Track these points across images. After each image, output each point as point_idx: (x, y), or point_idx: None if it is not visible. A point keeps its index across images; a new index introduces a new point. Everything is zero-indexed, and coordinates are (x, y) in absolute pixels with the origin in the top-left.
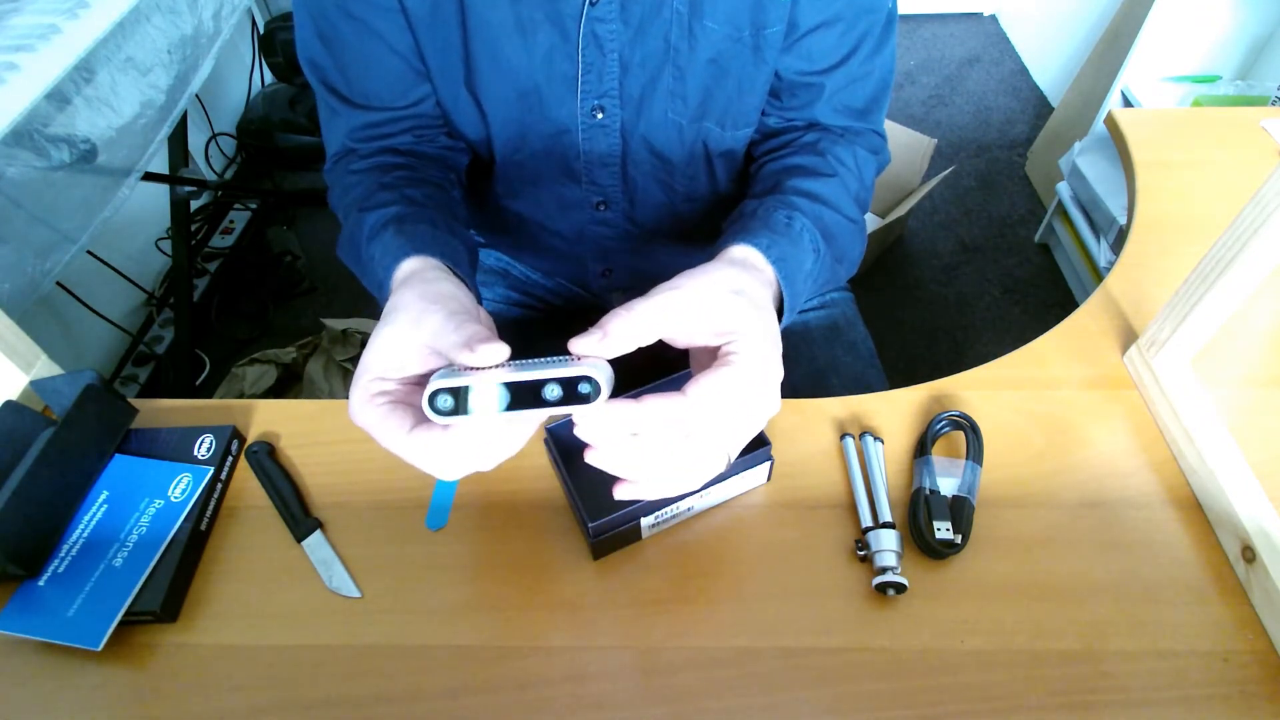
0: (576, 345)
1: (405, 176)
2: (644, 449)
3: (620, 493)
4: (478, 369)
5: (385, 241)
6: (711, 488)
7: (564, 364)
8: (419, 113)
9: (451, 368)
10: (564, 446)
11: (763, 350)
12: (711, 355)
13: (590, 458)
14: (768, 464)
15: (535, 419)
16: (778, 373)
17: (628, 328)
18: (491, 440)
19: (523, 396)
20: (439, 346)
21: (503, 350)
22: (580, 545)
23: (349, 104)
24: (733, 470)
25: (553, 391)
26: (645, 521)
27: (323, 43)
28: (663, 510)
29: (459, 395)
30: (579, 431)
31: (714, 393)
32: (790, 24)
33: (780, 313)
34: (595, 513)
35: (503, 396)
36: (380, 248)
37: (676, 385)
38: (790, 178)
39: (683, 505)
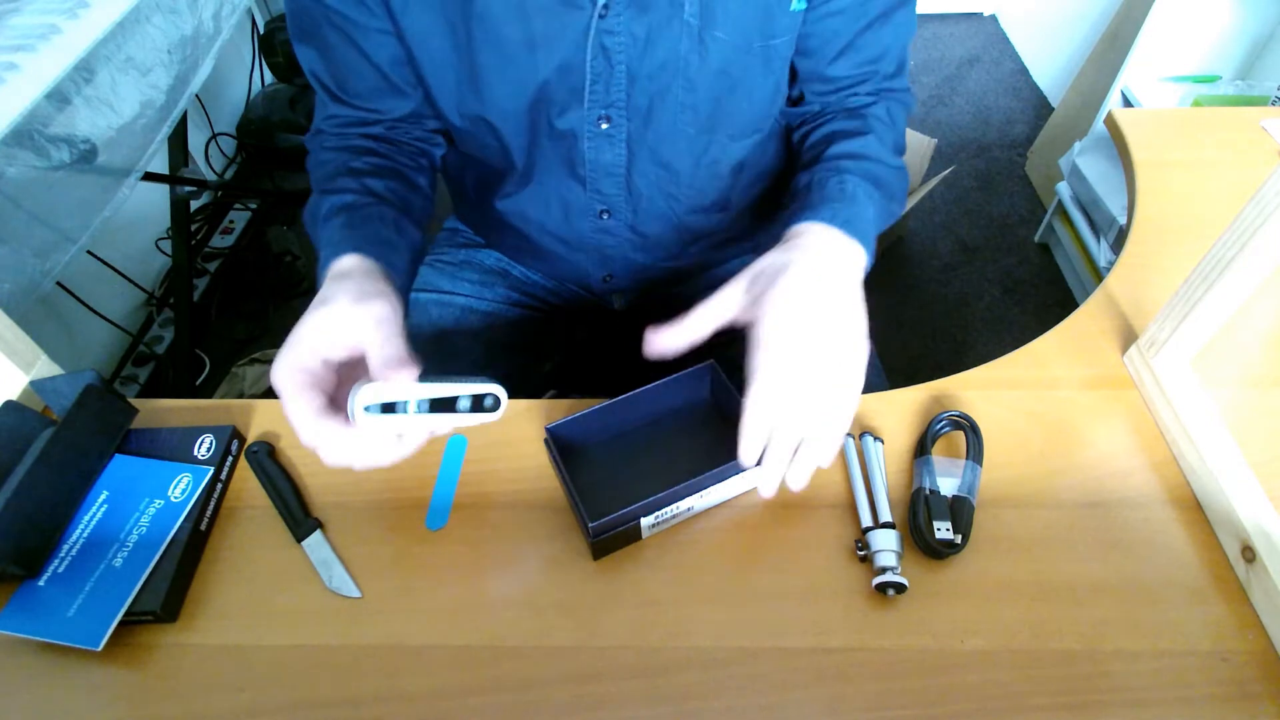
0: (655, 339)
1: (373, 164)
2: (778, 444)
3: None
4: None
5: (332, 229)
6: (711, 488)
7: (471, 382)
8: (395, 117)
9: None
10: (564, 446)
11: (788, 304)
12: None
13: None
14: None
15: (441, 426)
16: (823, 300)
17: (695, 322)
18: (383, 445)
19: (439, 406)
20: (362, 348)
21: (414, 374)
22: (580, 545)
23: (331, 95)
24: (733, 470)
25: (463, 404)
26: (645, 521)
27: (309, 43)
28: (663, 510)
29: (387, 407)
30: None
31: (765, 373)
32: (832, 35)
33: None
34: (595, 513)
35: (422, 405)
36: (327, 233)
37: (692, 380)
38: (832, 144)
39: (683, 505)
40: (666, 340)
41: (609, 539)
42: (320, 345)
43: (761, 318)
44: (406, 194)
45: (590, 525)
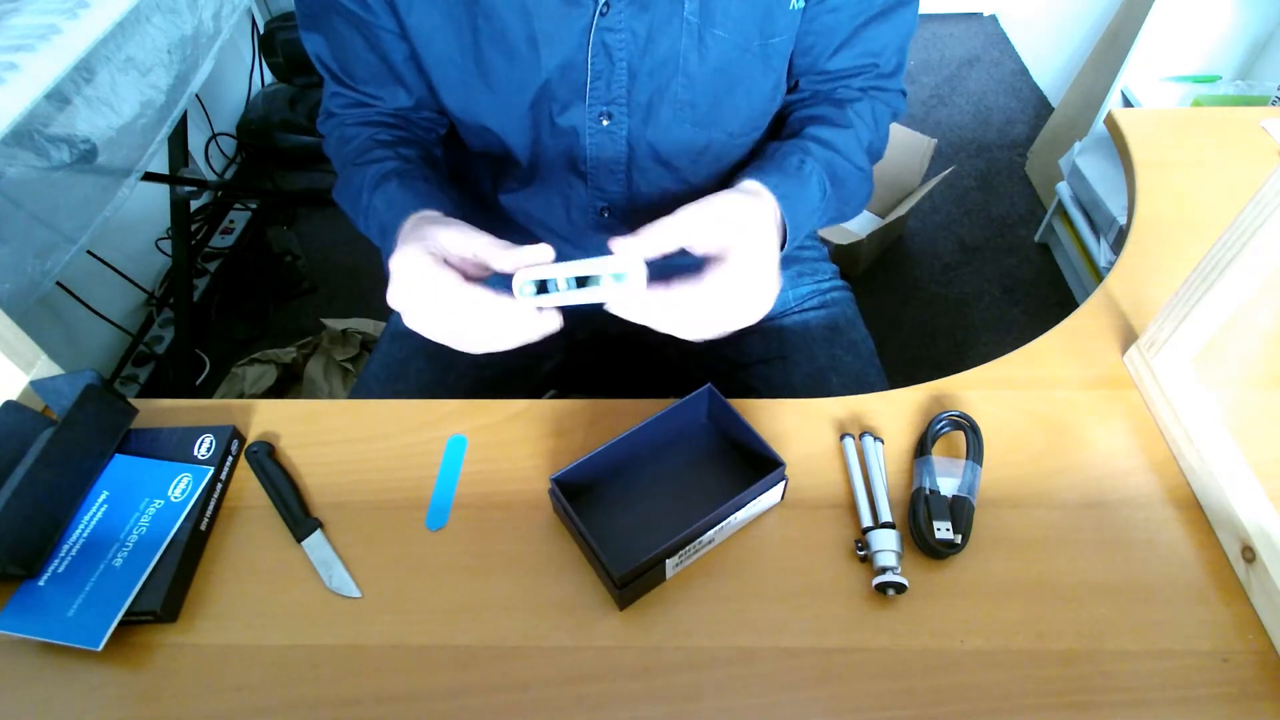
0: (616, 244)
1: (398, 135)
2: (665, 315)
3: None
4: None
5: (390, 193)
6: (730, 517)
7: (606, 258)
8: (394, 106)
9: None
10: (569, 491)
11: (757, 249)
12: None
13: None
14: (782, 484)
15: (586, 299)
16: (771, 268)
17: (656, 234)
18: (529, 321)
19: (582, 283)
20: (474, 251)
21: (549, 255)
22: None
23: (334, 78)
24: (750, 495)
25: (601, 280)
26: (669, 563)
27: (316, 29)
28: (686, 549)
29: (540, 284)
30: (618, 309)
31: (722, 281)
32: (830, 30)
33: (782, 241)
34: (618, 562)
35: (570, 282)
36: (384, 198)
37: (690, 406)
38: (809, 125)
39: (704, 538)
40: (632, 246)
41: (634, 587)
42: (449, 245)
43: (738, 240)
44: (431, 160)
45: (615, 576)
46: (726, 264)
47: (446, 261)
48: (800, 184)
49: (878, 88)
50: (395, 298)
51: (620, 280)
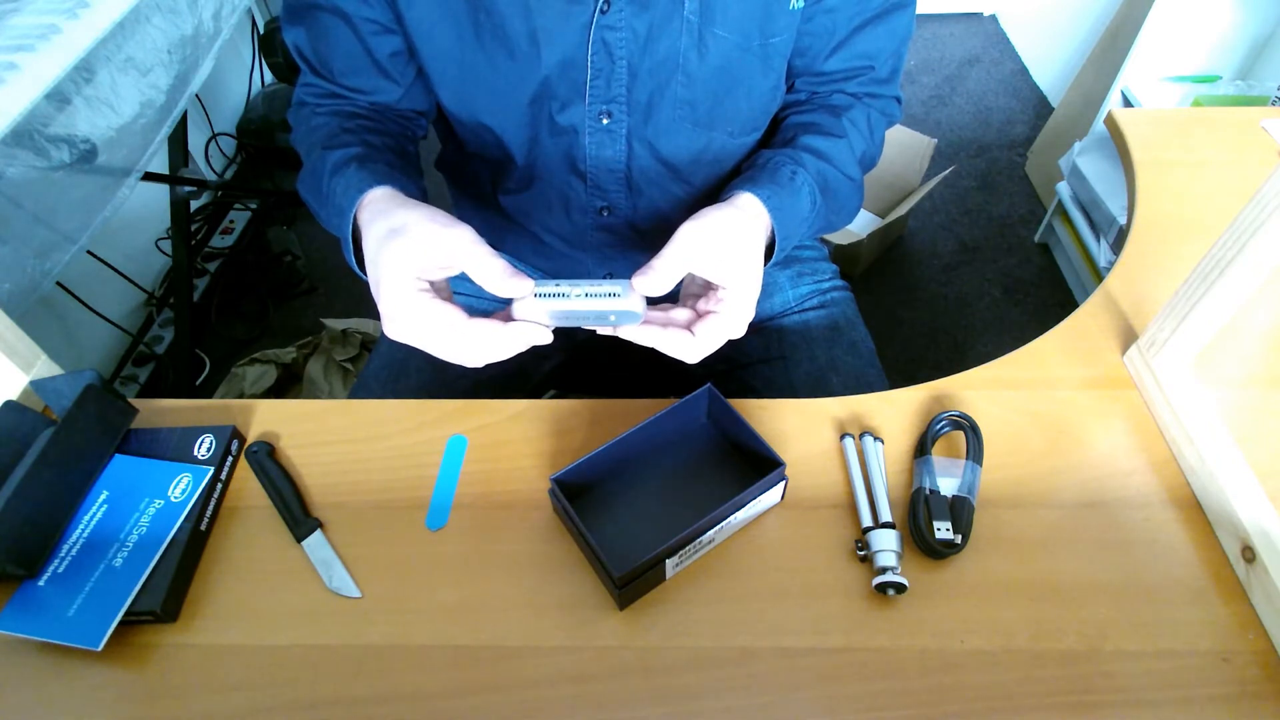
0: (638, 285)
1: (366, 124)
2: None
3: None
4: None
5: (348, 176)
6: (730, 517)
7: (609, 295)
8: (374, 101)
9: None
10: (569, 491)
11: (746, 290)
12: (705, 286)
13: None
14: (782, 484)
15: (589, 322)
16: (758, 293)
17: (665, 269)
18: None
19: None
20: (459, 266)
21: (530, 284)
22: (577, 545)
23: (314, 71)
24: (750, 495)
25: (610, 318)
26: (669, 563)
27: (299, 23)
28: (686, 549)
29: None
30: (627, 334)
31: (712, 332)
32: (827, 31)
33: (771, 249)
34: (619, 563)
35: (586, 295)
36: (343, 182)
37: (690, 406)
38: (804, 134)
39: (705, 538)
40: (650, 287)
41: (634, 587)
42: (418, 271)
43: (731, 279)
44: (402, 150)
45: (615, 576)
46: (727, 304)
47: (432, 284)
48: (791, 195)
49: (872, 94)
50: (394, 336)
51: (623, 316)
